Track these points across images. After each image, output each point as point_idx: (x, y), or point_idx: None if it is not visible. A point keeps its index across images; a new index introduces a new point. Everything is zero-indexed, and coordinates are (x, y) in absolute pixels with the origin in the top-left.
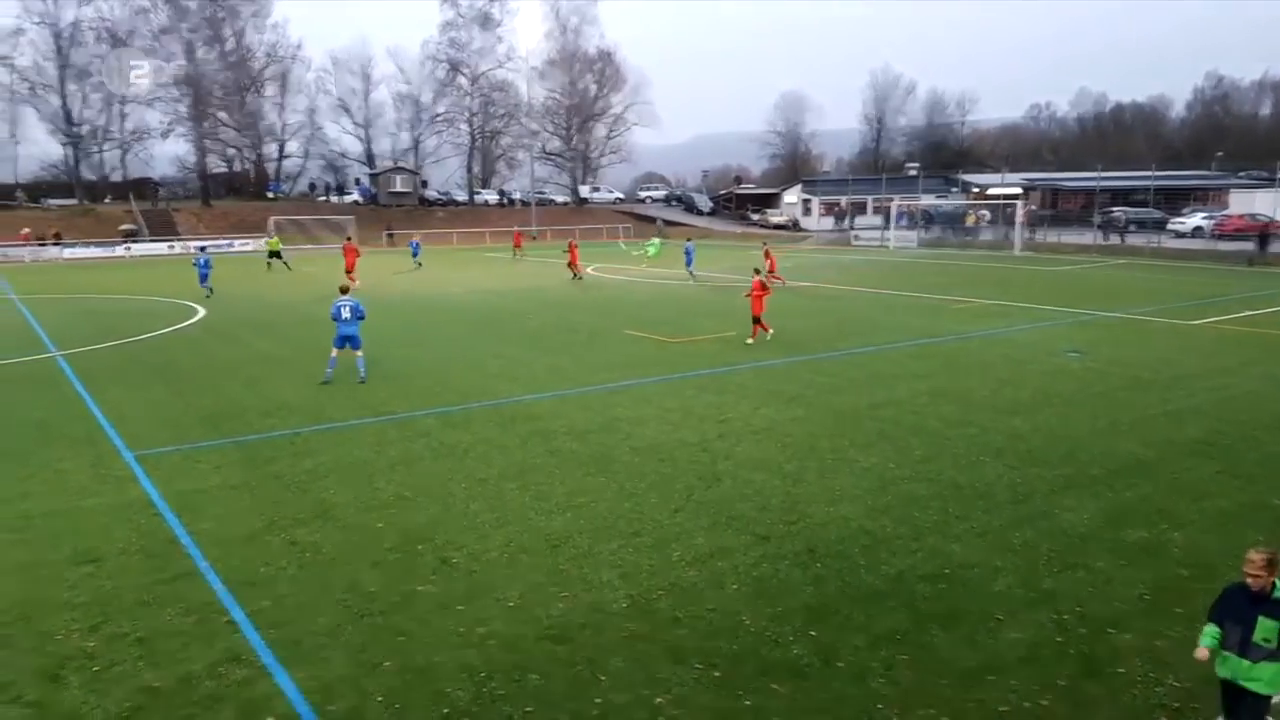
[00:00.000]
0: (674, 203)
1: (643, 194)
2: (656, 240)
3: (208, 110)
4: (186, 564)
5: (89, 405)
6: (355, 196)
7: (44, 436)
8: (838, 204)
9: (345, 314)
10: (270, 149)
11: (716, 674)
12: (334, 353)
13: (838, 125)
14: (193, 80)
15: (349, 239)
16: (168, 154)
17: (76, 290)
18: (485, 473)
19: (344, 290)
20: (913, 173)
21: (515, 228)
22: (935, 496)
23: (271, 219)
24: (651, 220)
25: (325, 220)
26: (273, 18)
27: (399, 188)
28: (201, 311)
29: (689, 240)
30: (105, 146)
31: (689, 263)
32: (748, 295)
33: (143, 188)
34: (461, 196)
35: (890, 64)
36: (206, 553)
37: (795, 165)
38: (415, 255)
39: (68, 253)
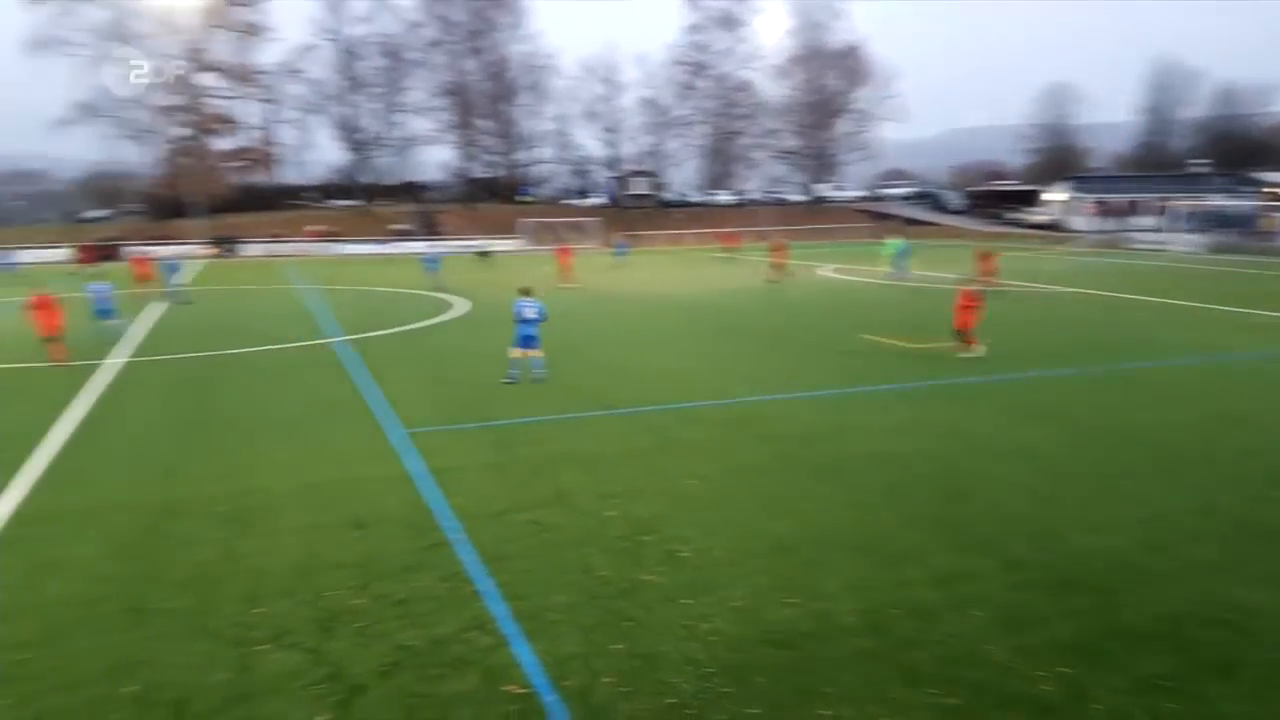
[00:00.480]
0: (920, 200)
1: (885, 191)
2: (898, 240)
3: (470, 118)
4: (441, 535)
5: (367, 386)
6: (599, 199)
7: (329, 413)
8: (1112, 202)
9: (529, 314)
10: (524, 154)
11: (953, 702)
12: (516, 353)
13: (1108, 118)
14: (458, 90)
15: (564, 242)
16: (435, 159)
17: (356, 282)
18: (711, 471)
19: (526, 292)
20: (1199, 170)
21: (728, 229)
22: (1217, 533)
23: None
24: (893, 219)
25: (573, 223)
26: (529, 29)
27: (640, 190)
28: (461, 305)
29: (900, 239)
30: (381, 152)
31: (901, 263)
32: (965, 305)
33: (414, 190)
34: (698, 198)
35: (1173, 50)
36: (460, 525)
37: (1060, 160)
38: (620, 255)
39: (347, 248)
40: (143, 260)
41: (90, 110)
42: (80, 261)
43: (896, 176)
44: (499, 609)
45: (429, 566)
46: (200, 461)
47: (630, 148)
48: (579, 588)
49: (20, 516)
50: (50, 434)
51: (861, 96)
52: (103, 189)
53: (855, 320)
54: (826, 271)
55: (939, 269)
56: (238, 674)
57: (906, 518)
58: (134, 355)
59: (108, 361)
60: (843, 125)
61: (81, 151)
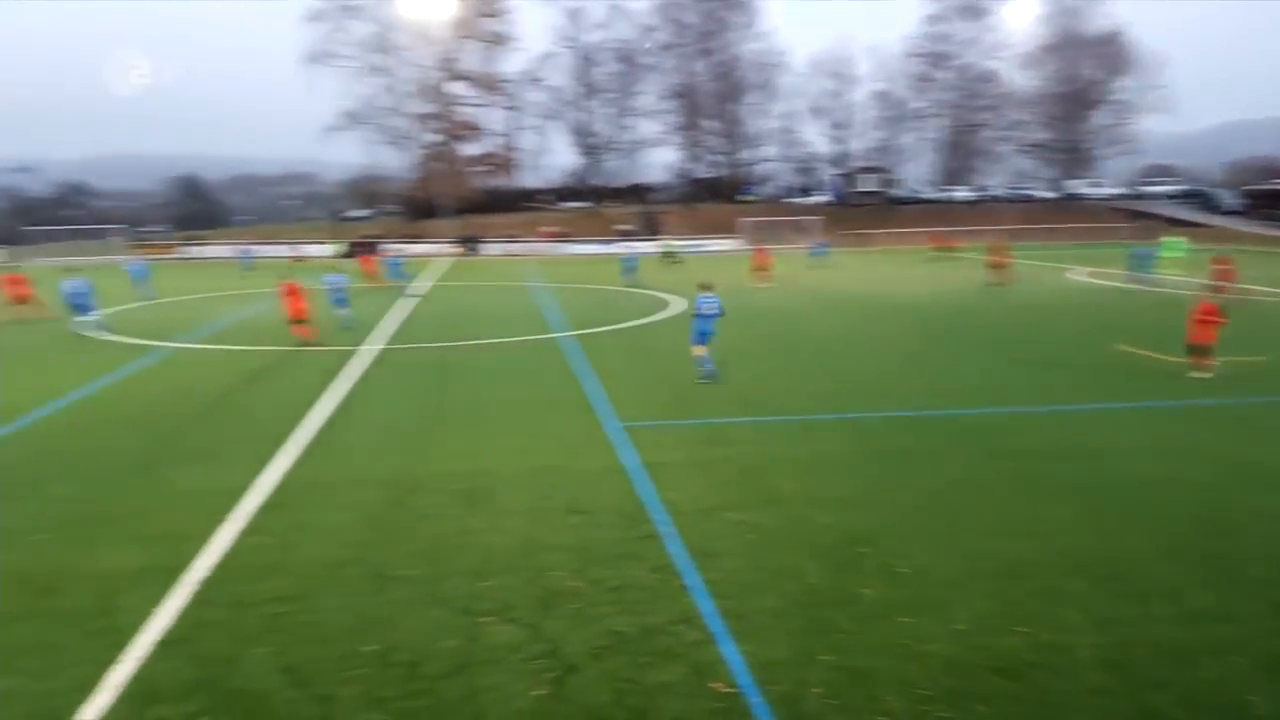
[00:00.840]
0: (1188, 199)
1: (1147, 189)
2: (1178, 240)
3: (696, 119)
4: (653, 527)
5: (587, 379)
6: (823, 197)
7: (552, 403)
8: None
9: (707, 309)
10: (748, 153)
11: None
12: (700, 350)
13: None
14: (686, 92)
15: (760, 243)
16: (661, 161)
17: (582, 280)
18: (935, 484)
19: (706, 287)
20: None
21: (943, 229)
22: None
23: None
24: (1154, 219)
25: (794, 222)
26: (761, 28)
27: (867, 187)
28: (677, 304)
29: (1180, 240)
30: (611, 155)
31: (1145, 266)
32: (1204, 318)
33: (639, 191)
34: (932, 194)
35: None
36: (671, 519)
37: None
38: (819, 255)
39: (575, 248)
40: (369, 259)
41: (355, 118)
42: (351, 256)
43: (1161, 173)
44: (706, 605)
45: (640, 557)
46: (439, 442)
47: (859, 143)
48: (788, 593)
49: (286, 484)
50: (314, 411)
51: (1122, 87)
52: (364, 190)
53: (1099, 328)
54: (1079, 275)
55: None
56: (465, 642)
57: (1160, 549)
58: (386, 343)
59: (363, 348)
60: (1099, 117)
61: (347, 156)
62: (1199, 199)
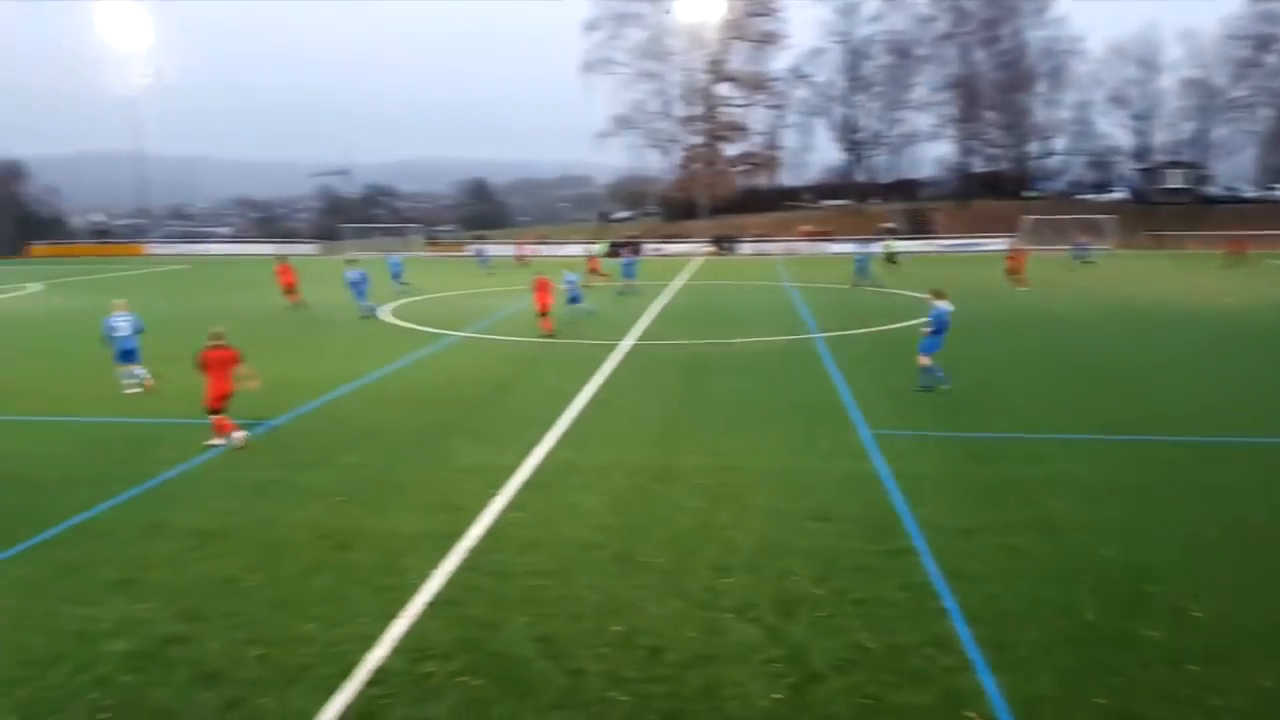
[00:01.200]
0: None
1: None
2: None
3: (976, 111)
4: (904, 542)
5: (839, 382)
6: (1120, 194)
7: (802, 404)
8: None
9: (941, 321)
10: (1033, 147)
11: None
12: (928, 360)
13: None
14: (964, 82)
15: (1017, 246)
16: (931, 156)
17: (839, 281)
18: (1244, 520)
19: (940, 295)
20: None
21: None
22: None
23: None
24: None
25: (1084, 220)
26: (1053, 13)
27: (1173, 183)
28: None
29: None
30: (877, 151)
31: None
32: None
33: (907, 188)
34: (1253, 194)
35: None
36: (923, 535)
37: None
38: (1080, 257)
39: (833, 247)
40: (594, 259)
41: (625, 122)
42: (614, 255)
43: None
44: (962, 630)
45: (889, 572)
46: (687, 436)
47: (1164, 136)
48: (1057, 627)
49: (548, 465)
50: (573, 400)
51: None
52: (628, 192)
53: None
54: None
55: None
56: (704, 635)
57: None
58: (638, 339)
59: (621, 343)
60: None
61: (616, 160)
62: None
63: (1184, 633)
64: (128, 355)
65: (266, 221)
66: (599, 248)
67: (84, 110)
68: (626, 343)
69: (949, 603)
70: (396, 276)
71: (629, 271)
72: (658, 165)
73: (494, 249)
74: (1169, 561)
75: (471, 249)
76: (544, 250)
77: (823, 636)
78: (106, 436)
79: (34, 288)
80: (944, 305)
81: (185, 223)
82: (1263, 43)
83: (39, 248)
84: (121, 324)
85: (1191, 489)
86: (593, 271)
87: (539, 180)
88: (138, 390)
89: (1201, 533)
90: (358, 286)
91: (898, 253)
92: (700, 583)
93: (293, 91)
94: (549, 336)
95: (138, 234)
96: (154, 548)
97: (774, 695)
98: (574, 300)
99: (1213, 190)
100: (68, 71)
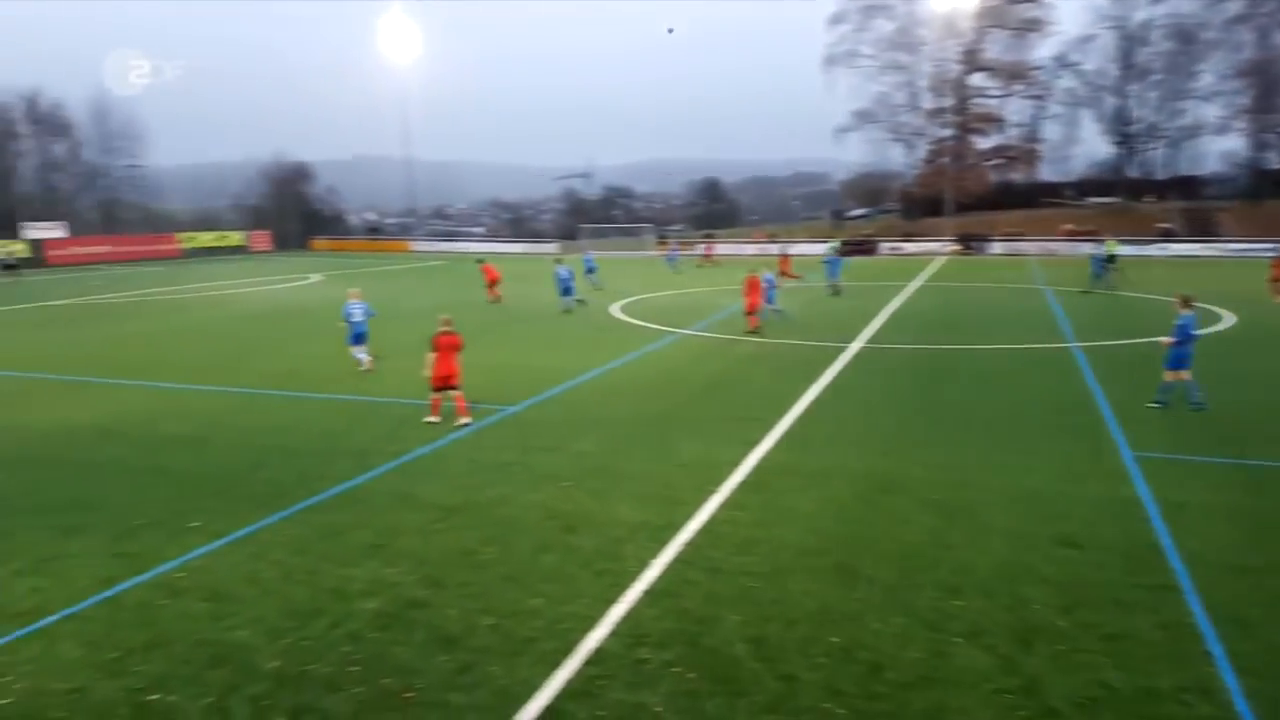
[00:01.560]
0: None
1: None
2: None
3: (1273, 101)
4: (1166, 577)
5: (1097, 397)
6: None
7: (1053, 420)
8: None
9: (1185, 333)
10: None
11: None
12: (1174, 376)
13: None
14: (1260, 69)
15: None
16: (1217, 150)
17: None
18: None
19: (1187, 303)
20: None
21: None
22: None
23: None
24: None
25: None
26: None
27: None
28: (1227, 319)
29: None
30: (1154, 144)
31: None
32: None
33: (1188, 186)
34: None
35: None
36: (1189, 571)
37: None
38: None
39: (1090, 248)
40: (785, 259)
41: (866, 117)
42: (848, 255)
43: None
44: (1230, 679)
45: (1146, 608)
46: (918, 446)
47: None
48: None
49: (765, 465)
50: (795, 401)
51: None
52: (866, 189)
53: None
54: None
55: None
56: (930, 657)
57: None
58: (866, 342)
59: (850, 346)
60: None
61: (853, 155)
62: None
63: None
64: (359, 338)
65: (516, 222)
66: (828, 247)
67: (359, 119)
68: (855, 345)
69: (1215, 647)
70: (591, 272)
71: (833, 272)
72: (900, 160)
73: (680, 251)
74: None
75: (667, 250)
76: (723, 250)
77: (1063, 671)
78: (365, 413)
79: (314, 278)
80: (1189, 314)
81: (446, 222)
82: None
83: (320, 242)
84: (356, 310)
85: None
86: (784, 274)
87: (771, 179)
88: (370, 369)
89: None
90: (564, 283)
91: (1116, 255)
92: (928, 602)
93: (539, 95)
94: (752, 334)
95: (404, 232)
96: (404, 517)
97: None
98: (767, 301)
99: None
100: (346, 82)
